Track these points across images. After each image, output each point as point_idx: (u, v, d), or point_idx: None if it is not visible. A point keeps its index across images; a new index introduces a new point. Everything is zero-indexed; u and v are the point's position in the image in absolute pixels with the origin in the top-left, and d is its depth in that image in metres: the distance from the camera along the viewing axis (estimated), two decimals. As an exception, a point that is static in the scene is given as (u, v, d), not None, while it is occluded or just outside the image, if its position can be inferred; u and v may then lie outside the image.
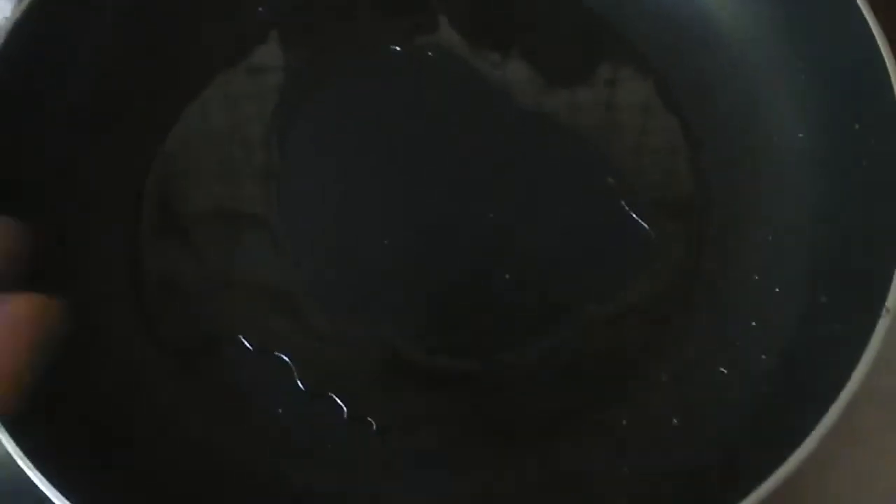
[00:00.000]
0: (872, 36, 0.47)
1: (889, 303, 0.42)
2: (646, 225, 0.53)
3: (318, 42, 0.60)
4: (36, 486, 0.40)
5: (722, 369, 0.48)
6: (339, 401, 0.49)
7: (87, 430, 0.45)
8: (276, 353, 0.50)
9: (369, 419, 0.49)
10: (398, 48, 0.58)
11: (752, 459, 0.43)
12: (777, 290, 0.49)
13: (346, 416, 0.49)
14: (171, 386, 0.50)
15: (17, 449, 0.40)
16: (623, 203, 0.53)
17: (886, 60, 0.46)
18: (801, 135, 0.52)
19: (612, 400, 0.48)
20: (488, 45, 0.58)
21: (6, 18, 0.51)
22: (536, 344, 0.50)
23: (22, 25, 0.50)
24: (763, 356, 0.47)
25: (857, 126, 0.48)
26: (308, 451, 0.49)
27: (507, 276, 0.51)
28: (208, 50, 0.59)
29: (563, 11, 0.59)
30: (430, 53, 0.58)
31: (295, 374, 0.50)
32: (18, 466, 0.40)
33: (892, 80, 0.46)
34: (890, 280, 0.43)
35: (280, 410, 0.49)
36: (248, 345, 0.51)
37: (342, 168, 0.56)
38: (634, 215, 0.53)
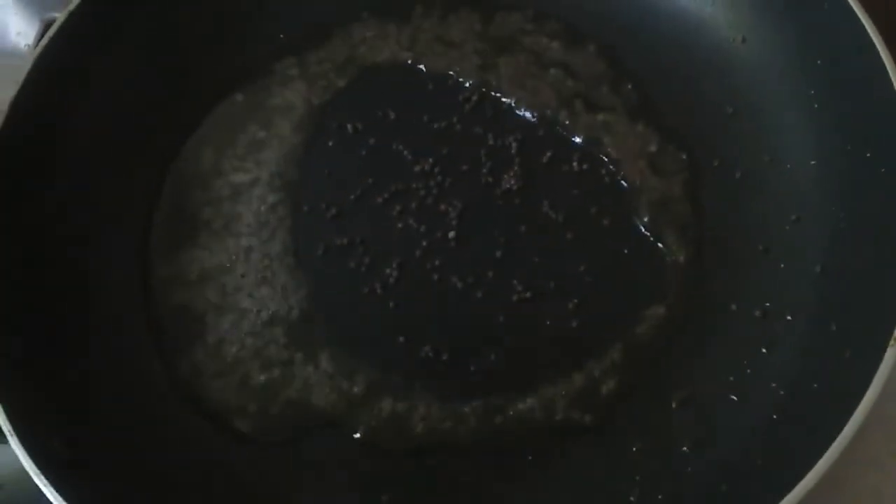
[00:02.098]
0: (885, 69, 0.47)
1: (898, 331, 0.42)
2: (661, 247, 0.53)
3: (340, 62, 0.61)
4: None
5: (732, 396, 0.48)
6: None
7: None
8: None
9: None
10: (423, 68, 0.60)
11: (761, 486, 0.43)
12: (788, 317, 0.49)
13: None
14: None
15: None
16: (641, 227, 0.54)
17: (899, 92, 0.47)
18: (813, 162, 0.52)
19: (622, 427, 0.49)
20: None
21: (28, 45, 0.53)
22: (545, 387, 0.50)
23: (47, 51, 0.52)
24: (773, 384, 0.48)
25: (868, 154, 0.49)
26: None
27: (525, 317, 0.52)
28: (226, 68, 0.60)
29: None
30: (450, 72, 0.59)
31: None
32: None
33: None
34: (899, 308, 0.43)
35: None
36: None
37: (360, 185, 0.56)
38: (652, 239, 0.53)
